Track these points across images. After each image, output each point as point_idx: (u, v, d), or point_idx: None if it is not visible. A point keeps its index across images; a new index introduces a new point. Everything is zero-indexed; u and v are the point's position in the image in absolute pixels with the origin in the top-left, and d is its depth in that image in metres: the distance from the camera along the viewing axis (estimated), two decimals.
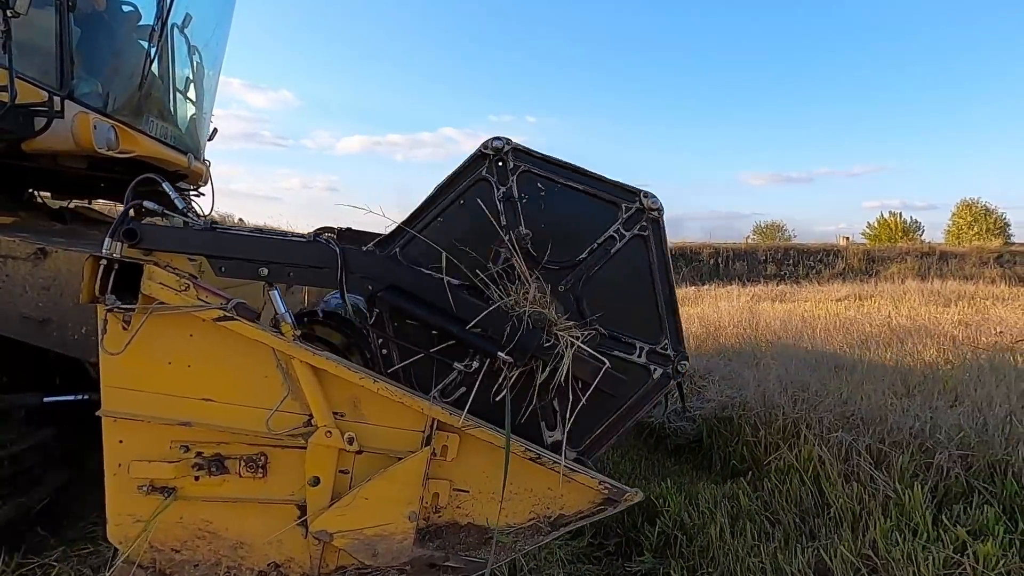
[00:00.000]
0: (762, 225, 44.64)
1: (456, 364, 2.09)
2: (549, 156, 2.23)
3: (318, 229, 9.63)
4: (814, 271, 27.30)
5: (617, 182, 2.21)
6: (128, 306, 1.88)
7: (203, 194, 5.39)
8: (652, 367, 2.26)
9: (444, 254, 2.08)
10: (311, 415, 2.03)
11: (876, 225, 40.74)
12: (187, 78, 4.49)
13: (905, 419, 4.11)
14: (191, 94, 4.53)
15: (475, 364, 2.10)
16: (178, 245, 1.93)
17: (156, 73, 3.89)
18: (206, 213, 5.60)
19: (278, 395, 2.03)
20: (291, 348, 1.98)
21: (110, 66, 3.50)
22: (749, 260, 29.07)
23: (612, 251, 2.20)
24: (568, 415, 2.09)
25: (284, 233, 2.21)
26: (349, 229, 8.50)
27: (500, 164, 2.11)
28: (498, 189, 2.14)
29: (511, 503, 2.12)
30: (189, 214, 1.97)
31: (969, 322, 9.34)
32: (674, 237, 30.72)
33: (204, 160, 5.03)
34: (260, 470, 2.04)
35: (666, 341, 2.26)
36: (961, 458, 3.71)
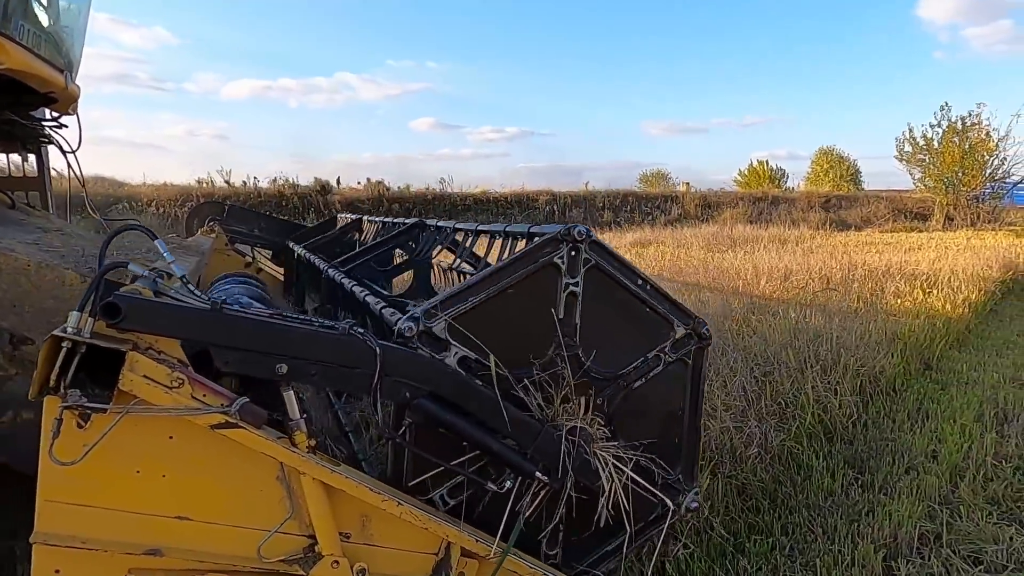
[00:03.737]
0: (648, 174, 44.24)
1: (490, 485, 1.83)
2: (620, 256, 2.05)
3: (202, 203, 8.68)
4: (650, 217, 27.47)
5: (674, 300, 2.07)
6: (98, 404, 1.42)
7: (66, 125, 4.53)
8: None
9: (493, 359, 1.82)
10: (314, 538, 1.68)
11: (746, 173, 41.07)
12: None
13: None
14: None
15: (507, 484, 1.86)
16: (175, 329, 1.48)
17: None
18: (74, 148, 4.70)
19: (276, 513, 1.65)
20: (305, 463, 1.61)
21: None
22: (587, 207, 28.50)
23: (652, 372, 2.06)
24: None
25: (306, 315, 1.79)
26: (233, 206, 7.65)
27: (574, 254, 1.88)
28: (563, 280, 1.90)
29: None
30: (191, 286, 1.53)
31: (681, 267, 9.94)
32: (572, 187, 30.34)
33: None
34: None
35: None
36: None
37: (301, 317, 1.66)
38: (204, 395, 1.52)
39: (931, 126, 27.43)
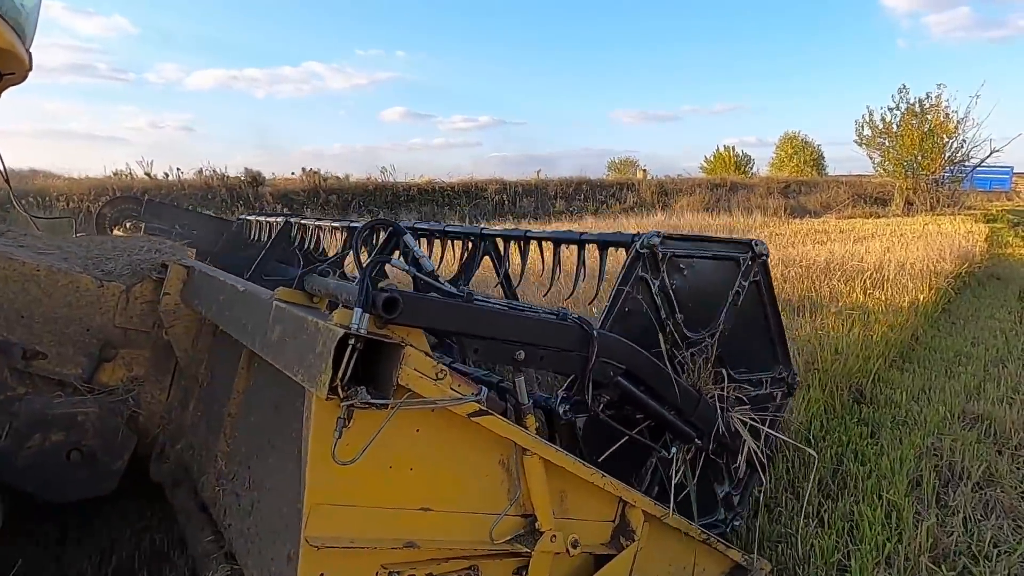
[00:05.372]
0: (616, 161, 43.96)
1: (663, 451, 2.02)
2: (686, 234, 2.27)
3: (114, 198, 7.87)
4: (605, 205, 26.17)
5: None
6: (382, 400, 1.41)
7: None
8: (775, 392, 2.48)
9: (661, 337, 2.00)
10: (532, 516, 1.76)
11: (712, 159, 40.24)
12: None
13: None
14: None
15: (673, 449, 2.05)
16: (439, 321, 1.50)
17: None
18: None
19: (500, 496, 1.72)
20: (538, 444, 1.69)
21: None
22: (539, 196, 26.65)
23: (738, 303, 2.34)
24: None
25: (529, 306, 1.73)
26: (151, 201, 7.01)
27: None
28: (653, 284, 2.08)
29: None
30: (440, 278, 1.55)
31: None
32: (523, 175, 28.28)
33: None
34: None
35: (781, 367, 2.48)
36: None
37: (523, 304, 1.73)
38: (459, 385, 1.55)
39: (890, 109, 25.93)
